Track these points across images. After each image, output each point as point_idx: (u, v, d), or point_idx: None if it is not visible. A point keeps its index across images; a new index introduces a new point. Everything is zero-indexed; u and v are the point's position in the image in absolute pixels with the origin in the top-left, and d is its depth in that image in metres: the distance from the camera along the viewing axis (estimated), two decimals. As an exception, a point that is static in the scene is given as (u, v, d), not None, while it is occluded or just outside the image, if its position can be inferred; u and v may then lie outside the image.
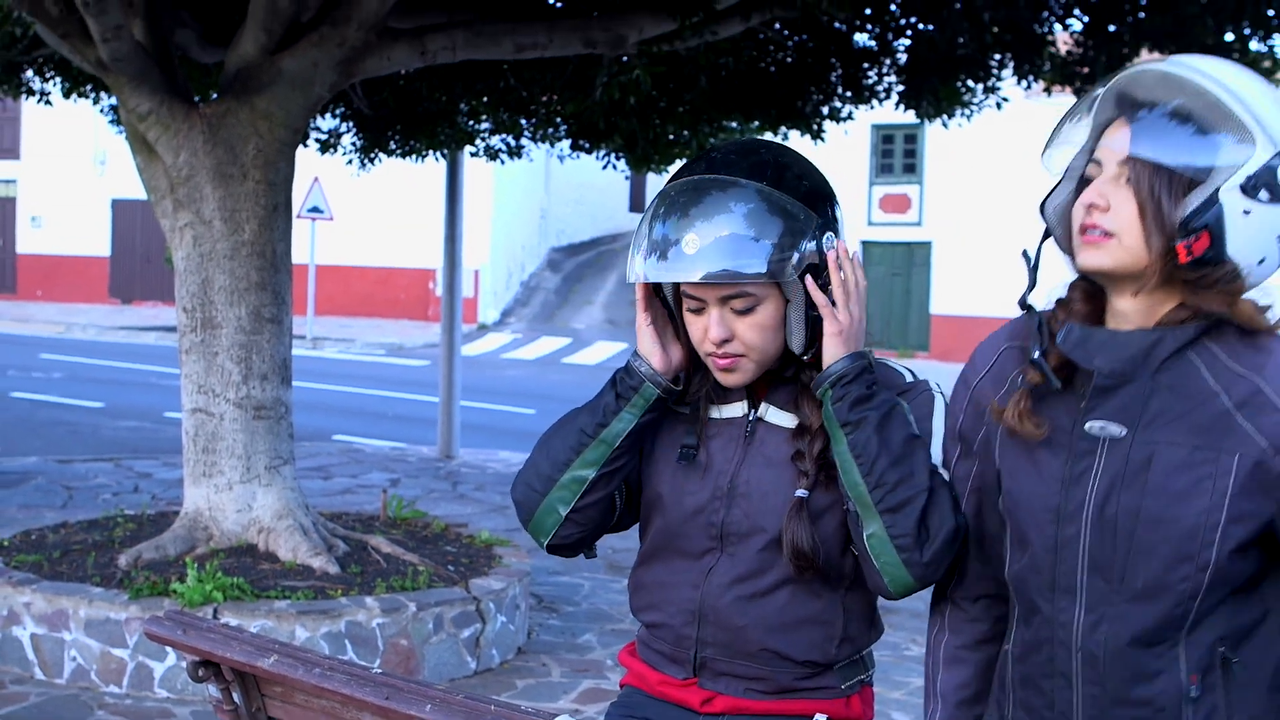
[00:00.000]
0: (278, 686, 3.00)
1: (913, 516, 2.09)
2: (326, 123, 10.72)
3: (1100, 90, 1.95)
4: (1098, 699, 1.94)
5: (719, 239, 2.13)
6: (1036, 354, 1.98)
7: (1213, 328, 1.89)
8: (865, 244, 28.04)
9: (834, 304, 2.17)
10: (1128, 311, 1.92)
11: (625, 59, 6.85)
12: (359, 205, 27.55)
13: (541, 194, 32.55)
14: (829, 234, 2.20)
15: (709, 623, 2.28)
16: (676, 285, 2.27)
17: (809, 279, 2.16)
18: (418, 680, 2.86)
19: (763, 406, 2.30)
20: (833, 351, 2.17)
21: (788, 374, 2.29)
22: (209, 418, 6.30)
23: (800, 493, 2.22)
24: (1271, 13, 7.89)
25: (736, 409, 2.33)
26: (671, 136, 9.74)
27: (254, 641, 3.00)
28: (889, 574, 2.12)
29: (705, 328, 2.21)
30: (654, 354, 2.28)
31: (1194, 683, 1.89)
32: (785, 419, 2.28)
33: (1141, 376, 1.89)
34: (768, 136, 11.21)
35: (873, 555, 2.13)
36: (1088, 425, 1.93)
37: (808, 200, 2.20)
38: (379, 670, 2.85)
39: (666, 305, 2.32)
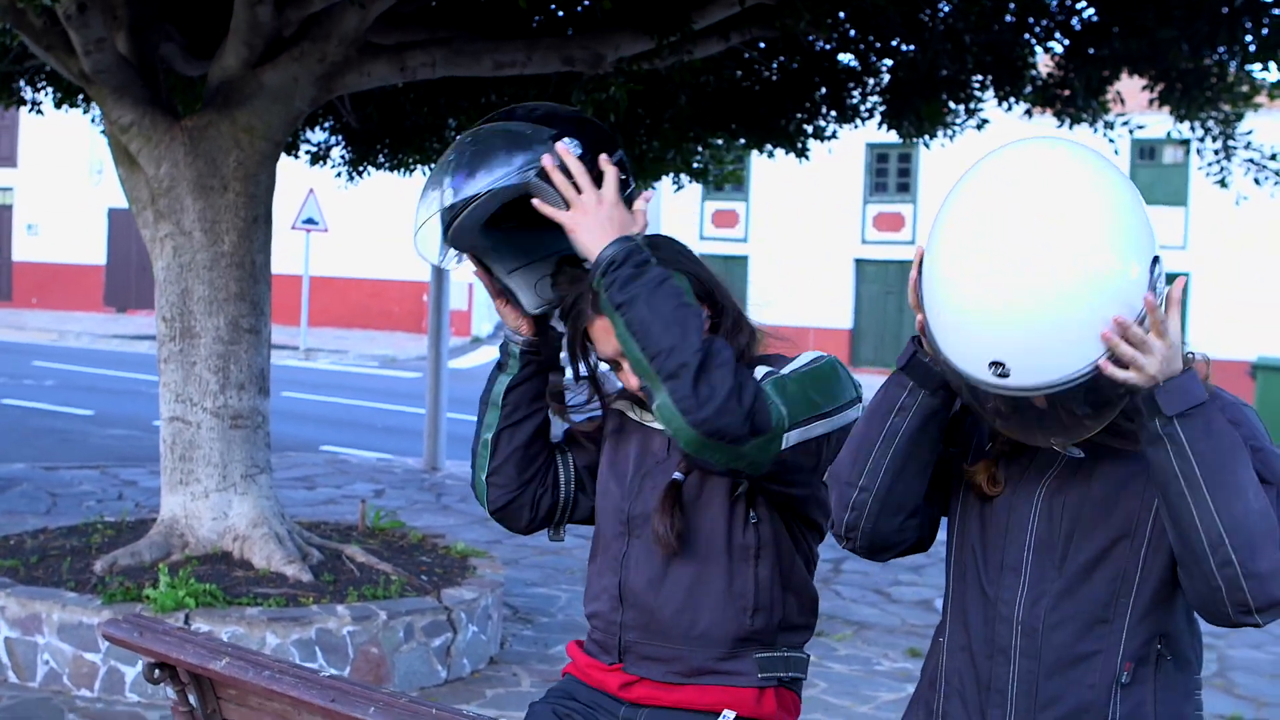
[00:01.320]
0: (232, 689, 3.07)
1: (688, 379, 2.16)
2: (317, 135, 10.80)
3: None
4: (1033, 673, 2.08)
5: (451, 181, 2.33)
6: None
7: None
8: (859, 261, 28.13)
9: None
10: None
11: (604, 76, 6.93)
12: (354, 217, 27.63)
13: (537, 208, 32.62)
14: (565, 140, 2.28)
15: (629, 605, 2.43)
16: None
17: (536, 180, 2.27)
18: (363, 684, 2.93)
19: None
20: (581, 242, 2.26)
21: None
22: (186, 426, 6.37)
23: (676, 475, 2.37)
24: (1249, 38, 7.98)
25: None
26: (658, 154, 9.81)
27: (207, 644, 3.07)
28: (679, 436, 2.20)
29: (627, 379, 2.42)
30: (518, 323, 2.51)
31: (1127, 670, 2.04)
32: None
33: None
34: (753, 154, 11.31)
35: (663, 422, 2.22)
36: (1053, 441, 2.09)
37: (543, 120, 2.32)
38: (327, 674, 2.92)
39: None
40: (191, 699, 3.13)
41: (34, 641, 5.71)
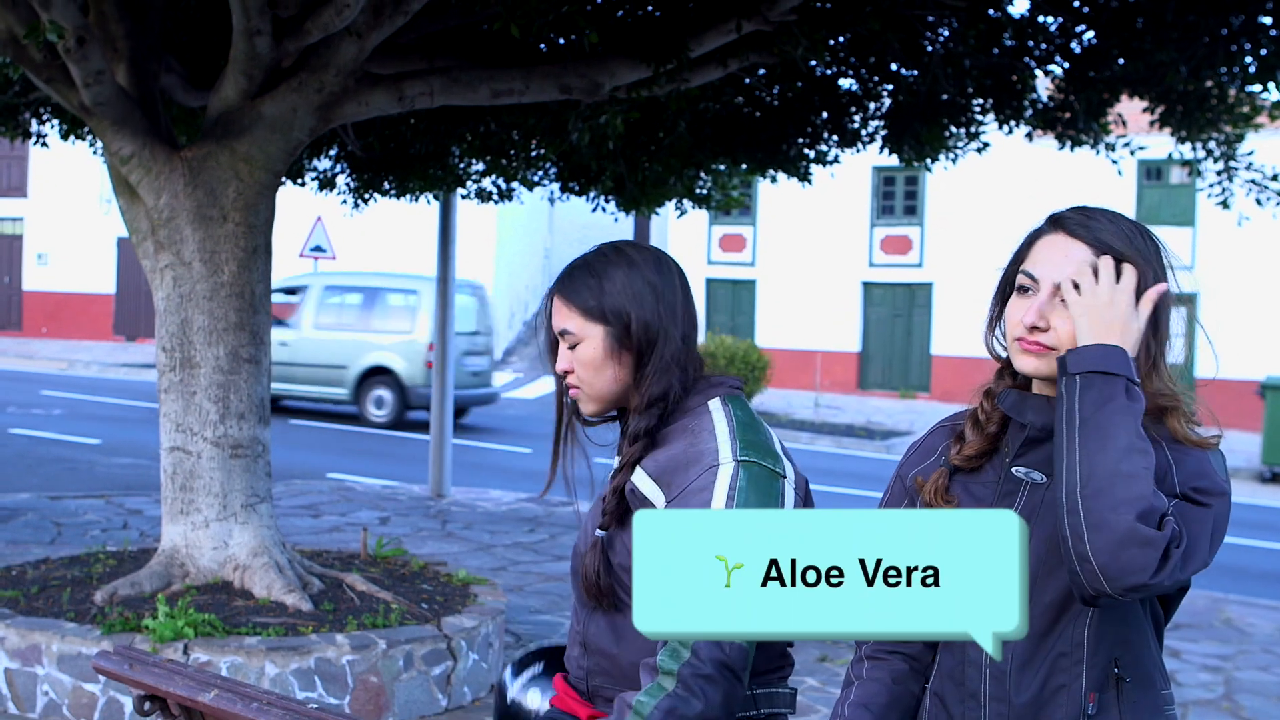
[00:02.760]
0: (222, 721, 3.07)
1: None
2: (322, 163, 10.85)
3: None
4: (1003, 716, 2.09)
5: None
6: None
7: None
8: (866, 285, 28.13)
9: None
10: (1053, 391, 2.13)
11: (601, 104, 6.95)
12: (362, 244, 27.72)
13: (545, 234, 32.74)
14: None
15: (591, 652, 2.43)
16: None
17: None
18: (352, 716, 2.93)
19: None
20: None
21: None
22: (186, 456, 6.38)
23: (598, 533, 2.38)
24: (1249, 59, 7.98)
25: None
26: (661, 180, 9.84)
27: (197, 676, 3.06)
28: None
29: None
30: None
31: (1091, 701, 2.04)
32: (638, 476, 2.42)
33: None
34: (756, 179, 11.32)
35: None
36: (1014, 469, 2.14)
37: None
38: (326, 704, 2.92)
39: None
40: (183, 732, 3.14)
41: (33, 672, 5.71)
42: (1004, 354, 2.23)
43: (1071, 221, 2.11)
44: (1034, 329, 2.08)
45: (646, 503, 2.32)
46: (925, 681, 2.25)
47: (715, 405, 2.38)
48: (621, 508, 2.35)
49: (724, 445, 2.30)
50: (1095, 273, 2.02)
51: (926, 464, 2.27)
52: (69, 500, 10.84)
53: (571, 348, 2.42)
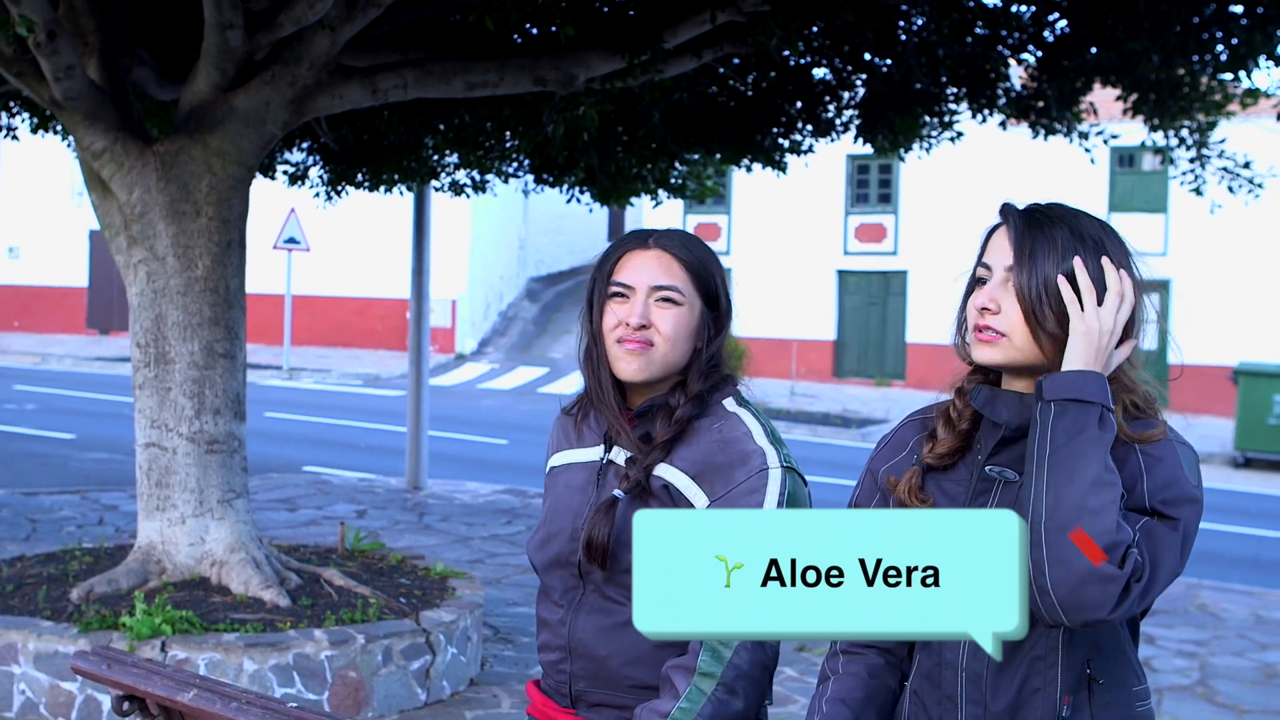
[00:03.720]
0: (202, 720, 3.06)
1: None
2: (295, 156, 10.80)
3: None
4: (980, 719, 2.08)
5: None
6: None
7: None
8: (841, 273, 28.18)
9: None
10: (1023, 386, 2.14)
11: (575, 96, 6.94)
12: (336, 236, 27.62)
13: (519, 224, 32.68)
14: None
15: (578, 656, 2.39)
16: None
17: None
18: (331, 714, 2.92)
19: (615, 450, 2.41)
20: None
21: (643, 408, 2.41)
22: (162, 452, 6.36)
23: (616, 493, 2.32)
24: (1220, 48, 8.01)
25: (593, 452, 2.44)
26: (634, 171, 9.83)
27: (175, 676, 3.05)
28: None
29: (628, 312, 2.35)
30: None
31: (1066, 704, 2.05)
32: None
33: None
34: (730, 169, 11.32)
35: None
36: (987, 468, 2.13)
37: None
38: (306, 699, 2.92)
39: None
40: (162, 731, 3.12)
41: (10, 671, 5.68)
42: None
43: (1012, 217, 2.13)
44: (984, 311, 2.10)
45: (682, 498, 2.30)
46: (901, 676, 2.25)
47: (733, 405, 2.37)
48: (643, 486, 2.32)
49: (769, 450, 2.30)
50: (1101, 283, 2.03)
51: (897, 459, 2.27)
52: (44, 496, 10.79)
53: (661, 302, 2.34)
